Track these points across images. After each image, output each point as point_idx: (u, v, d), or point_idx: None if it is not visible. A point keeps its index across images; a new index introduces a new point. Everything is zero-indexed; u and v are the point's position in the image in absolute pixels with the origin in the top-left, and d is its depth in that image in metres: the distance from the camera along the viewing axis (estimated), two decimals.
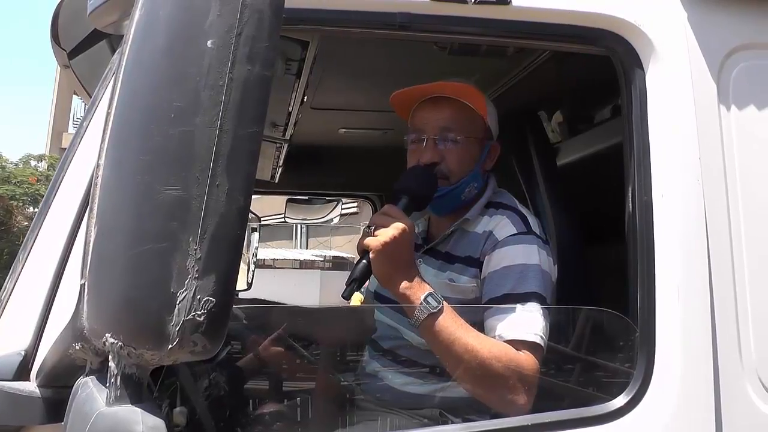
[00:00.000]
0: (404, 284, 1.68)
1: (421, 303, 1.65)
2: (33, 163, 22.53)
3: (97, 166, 0.98)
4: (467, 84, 2.01)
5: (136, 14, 0.98)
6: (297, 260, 15.18)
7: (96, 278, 0.94)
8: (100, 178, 0.96)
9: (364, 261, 1.71)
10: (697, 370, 1.45)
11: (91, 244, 0.95)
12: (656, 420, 1.43)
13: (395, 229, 1.69)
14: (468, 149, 1.97)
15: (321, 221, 4.80)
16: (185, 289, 0.90)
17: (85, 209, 1.33)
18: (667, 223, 1.49)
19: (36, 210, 20.38)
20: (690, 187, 1.51)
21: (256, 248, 4.35)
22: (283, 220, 4.93)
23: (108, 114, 0.99)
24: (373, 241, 1.69)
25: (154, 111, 0.93)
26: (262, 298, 3.44)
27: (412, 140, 2.01)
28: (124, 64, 0.98)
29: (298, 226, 18.15)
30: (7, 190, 19.73)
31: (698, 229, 1.50)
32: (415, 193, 1.86)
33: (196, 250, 0.90)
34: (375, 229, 1.71)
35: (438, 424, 1.81)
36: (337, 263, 15.01)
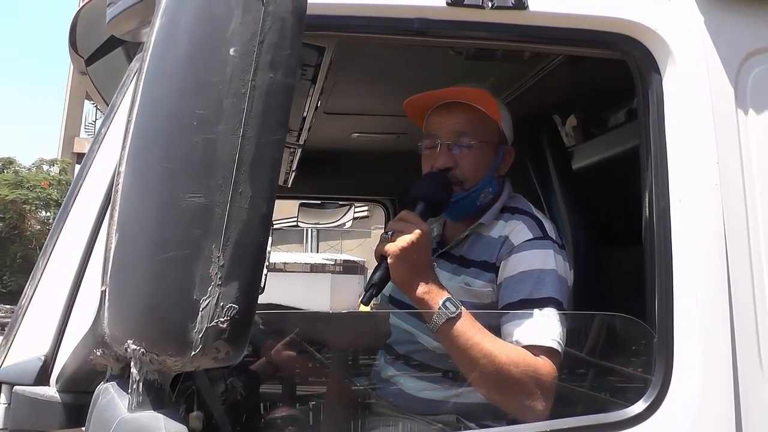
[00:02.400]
0: (423, 289, 1.69)
1: (440, 308, 1.65)
2: (45, 167, 22.68)
3: (118, 173, 0.98)
4: (481, 89, 2.01)
5: (157, 22, 0.98)
6: (308, 264, 15.17)
7: (117, 285, 0.95)
8: (121, 185, 0.96)
9: (382, 266, 1.71)
10: (716, 376, 1.44)
11: (112, 251, 0.95)
12: (676, 426, 1.42)
13: (413, 234, 1.70)
14: (482, 154, 1.97)
15: (333, 225, 4.81)
16: (208, 296, 0.90)
17: (104, 216, 1.34)
18: (685, 228, 1.48)
19: (48, 214, 20.57)
20: (708, 192, 1.50)
21: (269, 252, 4.35)
22: (294, 224, 4.93)
23: (128, 121, 0.99)
24: (391, 247, 1.70)
25: (177, 119, 0.93)
26: (274, 303, 3.44)
27: (427, 146, 2.02)
28: (144, 71, 0.98)
29: (309, 229, 18.17)
30: (20, 194, 19.87)
31: (716, 234, 1.49)
32: (431, 199, 1.87)
33: (219, 257, 0.91)
34: (393, 235, 1.72)
35: (455, 429, 1.81)
36: (348, 267, 15.00)
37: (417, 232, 1.70)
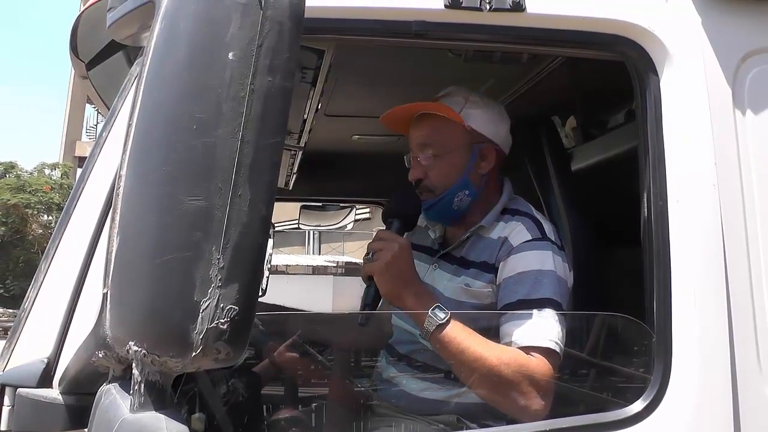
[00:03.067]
0: (412, 299, 1.74)
1: (429, 316, 1.69)
2: (47, 171, 22.72)
3: (119, 176, 0.99)
4: (437, 102, 2.05)
5: (157, 27, 1.00)
6: (310, 266, 15.17)
7: (119, 287, 0.96)
8: (122, 189, 0.97)
9: (372, 287, 1.78)
10: (714, 375, 1.45)
11: (114, 254, 0.96)
12: (674, 425, 1.42)
13: (392, 249, 1.76)
14: (448, 161, 2.00)
15: (335, 227, 4.81)
16: (208, 298, 0.91)
17: (106, 219, 1.35)
18: (683, 229, 1.49)
19: (50, 218, 20.60)
20: (705, 192, 1.51)
21: (270, 254, 4.37)
22: (296, 226, 4.94)
23: (129, 125, 1.00)
24: (374, 266, 1.76)
25: (177, 122, 0.94)
26: (277, 304, 3.45)
27: (409, 159, 2.08)
28: (144, 76, 0.99)
29: (311, 231, 18.18)
30: (22, 198, 19.90)
31: (714, 234, 1.49)
32: (401, 214, 1.93)
33: (219, 259, 0.92)
34: (374, 255, 1.78)
35: (455, 429, 1.82)
36: (350, 269, 14.98)
37: (395, 246, 1.77)
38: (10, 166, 21.81)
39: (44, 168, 22.85)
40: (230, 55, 0.95)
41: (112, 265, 0.96)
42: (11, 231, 19.92)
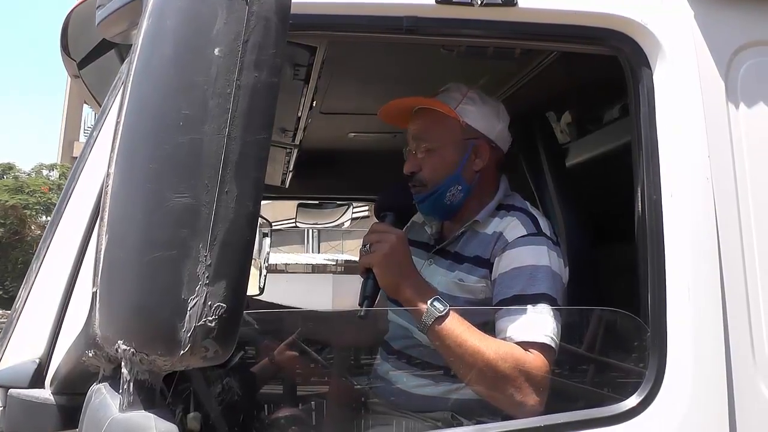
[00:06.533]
0: (411, 291, 1.72)
1: (428, 307, 1.68)
2: (45, 172, 22.71)
3: (107, 174, 0.99)
4: (434, 97, 2.05)
5: (144, 24, 0.99)
6: (309, 264, 15.15)
7: (107, 286, 0.96)
8: (110, 187, 0.97)
9: (370, 278, 1.77)
10: (709, 370, 1.44)
11: (102, 253, 0.96)
12: (669, 420, 1.42)
13: (389, 240, 1.76)
14: (441, 155, 2.00)
15: (332, 225, 4.82)
16: (196, 296, 0.91)
17: (97, 218, 1.35)
18: (677, 223, 1.48)
19: (49, 219, 20.57)
20: (699, 186, 1.50)
21: (268, 253, 4.36)
22: (294, 224, 4.94)
23: (117, 123, 1.00)
24: (373, 257, 1.76)
25: (163, 119, 0.94)
26: (276, 303, 3.44)
27: (406, 153, 2.08)
28: (132, 73, 0.99)
29: (310, 230, 18.18)
30: (20, 199, 19.88)
31: (708, 228, 1.49)
32: (393, 207, 1.95)
33: (206, 256, 0.92)
34: (371, 246, 1.78)
35: (450, 426, 1.82)
36: (350, 267, 14.95)
37: (392, 238, 1.77)
38: (8, 167, 21.81)
39: (42, 169, 22.86)
40: (216, 51, 0.94)
41: (100, 264, 0.96)
42: (9, 232, 19.88)
